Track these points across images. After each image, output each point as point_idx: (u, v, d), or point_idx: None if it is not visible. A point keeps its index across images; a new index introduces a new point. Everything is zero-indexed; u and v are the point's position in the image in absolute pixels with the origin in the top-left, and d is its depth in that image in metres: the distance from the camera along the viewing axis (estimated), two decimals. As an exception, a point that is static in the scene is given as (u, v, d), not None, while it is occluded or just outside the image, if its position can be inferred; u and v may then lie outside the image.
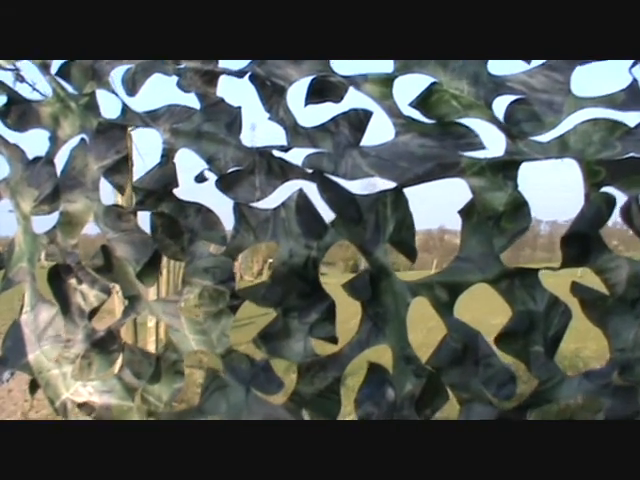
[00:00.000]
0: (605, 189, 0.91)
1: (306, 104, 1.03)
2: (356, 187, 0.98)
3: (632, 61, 0.92)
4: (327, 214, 1.01)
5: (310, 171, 0.98)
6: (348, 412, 1.07)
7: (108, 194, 1.11)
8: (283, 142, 1.02)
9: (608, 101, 0.92)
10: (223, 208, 1.08)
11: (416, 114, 0.99)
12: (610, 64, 0.94)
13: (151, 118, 1.07)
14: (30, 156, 1.15)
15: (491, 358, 0.96)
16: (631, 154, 0.90)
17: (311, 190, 1.01)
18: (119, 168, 1.10)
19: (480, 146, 0.95)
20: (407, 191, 0.98)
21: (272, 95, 1.03)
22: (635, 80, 0.93)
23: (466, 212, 0.96)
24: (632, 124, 0.92)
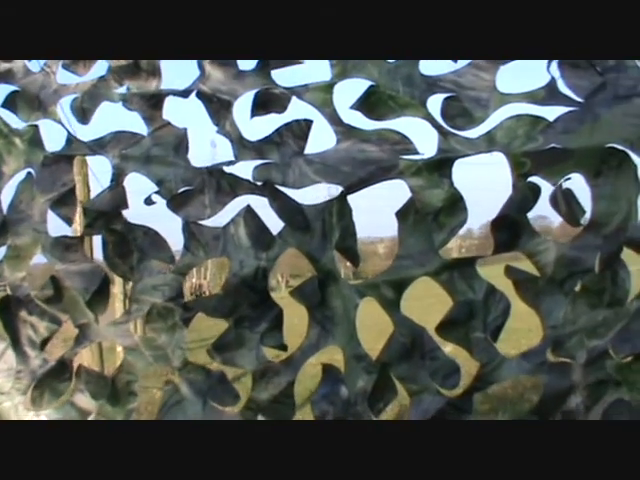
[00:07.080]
0: (531, 179, 0.98)
1: (252, 116, 1.08)
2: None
3: (549, 61, 1.01)
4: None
5: (259, 183, 1.02)
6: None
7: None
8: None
9: (530, 97, 1.00)
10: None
11: (355, 121, 1.05)
12: (531, 64, 1.03)
13: (98, 146, 1.10)
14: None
15: (436, 351, 1.00)
16: (552, 145, 0.97)
17: (260, 204, 1.05)
18: (66, 200, 1.12)
19: (414, 151, 1.01)
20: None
21: (219, 110, 1.07)
22: (553, 78, 1.01)
23: (402, 213, 1.01)
24: (551, 118, 0.99)
